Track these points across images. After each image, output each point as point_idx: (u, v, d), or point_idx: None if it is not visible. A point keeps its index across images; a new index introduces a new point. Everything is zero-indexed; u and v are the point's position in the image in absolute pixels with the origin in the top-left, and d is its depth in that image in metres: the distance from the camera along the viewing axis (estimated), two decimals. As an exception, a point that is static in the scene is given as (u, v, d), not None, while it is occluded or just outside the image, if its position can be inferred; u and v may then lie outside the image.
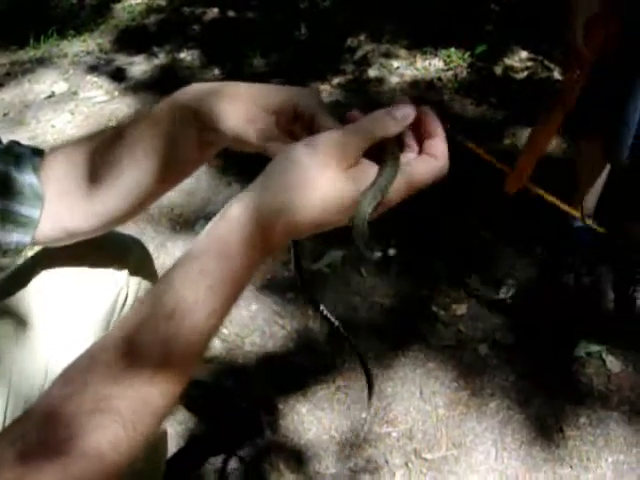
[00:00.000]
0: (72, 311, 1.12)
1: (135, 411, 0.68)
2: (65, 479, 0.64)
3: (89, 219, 0.97)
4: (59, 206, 0.95)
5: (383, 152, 0.73)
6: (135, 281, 1.20)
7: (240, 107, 0.83)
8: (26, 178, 0.94)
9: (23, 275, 1.12)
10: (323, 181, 0.71)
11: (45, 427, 0.66)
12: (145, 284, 1.22)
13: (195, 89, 0.88)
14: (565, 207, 2.12)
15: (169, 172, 0.93)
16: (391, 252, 0.73)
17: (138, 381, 0.68)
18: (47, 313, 1.10)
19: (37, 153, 0.98)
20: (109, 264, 1.16)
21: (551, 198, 2.12)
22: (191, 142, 0.89)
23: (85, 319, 1.12)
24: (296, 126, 0.83)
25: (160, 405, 0.70)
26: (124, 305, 1.17)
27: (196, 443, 1.86)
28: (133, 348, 0.69)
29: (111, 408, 0.66)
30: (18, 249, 0.96)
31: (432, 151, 0.76)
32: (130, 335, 0.70)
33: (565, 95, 1.98)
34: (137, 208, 0.99)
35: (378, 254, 0.73)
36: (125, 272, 1.18)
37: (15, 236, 0.94)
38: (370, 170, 0.73)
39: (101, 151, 0.93)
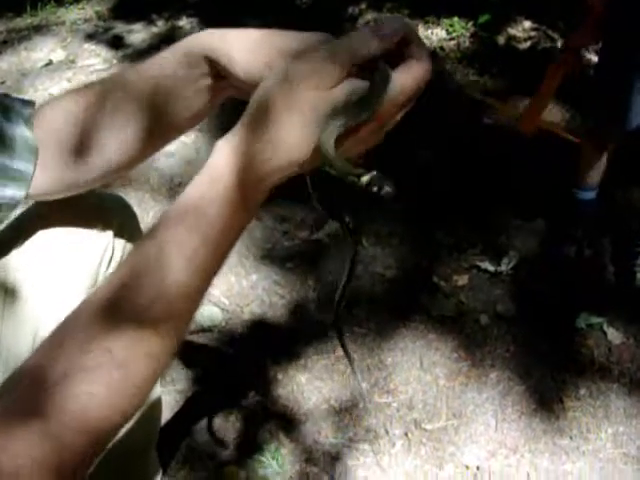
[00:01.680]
0: (58, 274, 1.10)
1: (122, 365, 0.66)
2: (44, 437, 0.63)
3: (89, 170, 0.95)
4: (57, 157, 0.93)
5: (370, 69, 0.68)
6: (120, 241, 1.18)
7: (259, 50, 0.80)
8: (17, 130, 0.91)
9: (7, 240, 1.10)
10: (302, 118, 0.67)
11: (28, 385, 0.65)
12: (131, 245, 1.21)
13: (209, 33, 0.85)
14: (579, 140, 2.12)
15: (170, 122, 0.91)
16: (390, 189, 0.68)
17: (123, 336, 0.67)
18: (33, 278, 1.09)
19: (28, 104, 0.95)
20: (93, 225, 1.14)
21: (565, 134, 2.13)
22: (198, 88, 0.87)
23: (71, 281, 1.11)
24: None
25: (143, 365, 0.69)
26: (109, 266, 1.16)
27: (189, 410, 1.86)
28: (118, 303, 0.68)
29: (96, 363, 0.65)
30: (12, 204, 0.93)
31: (412, 54, 0.70)
32: (115, 290, 0.69)
33: (577, 38, 2.05)
34: (138, 158, 0.97)
35: (360, 176, 0.68)
36: (110, 232, 1.16)
37: (8, 191, 0.91)
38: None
39: (101, 99, 0.91)
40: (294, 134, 0.67)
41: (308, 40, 0.78)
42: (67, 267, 1.11)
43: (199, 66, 0.85)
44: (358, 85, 0.67)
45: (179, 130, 0.96)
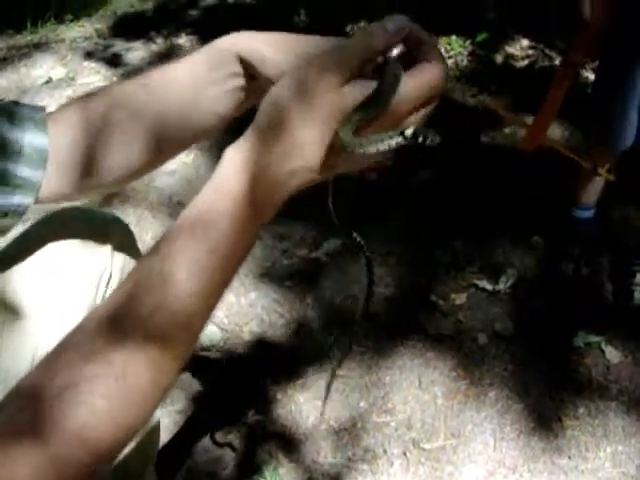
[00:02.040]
0: (57, 293, 1.10)
1: (122, 376, 0.65)
2: (44, 455, 0.62)
3: (105, 173, 0.94)
4: (70, 160, 0.92)
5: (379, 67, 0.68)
6: (118, 261, 1.19)
7: (289, 54, 0.80)
8: (26, 136, 0.90)
9: (9, 257, 1.10)
10: (315, 120, 0.66)
11: (26, 404, 0.64)
12: (129, 264, 1.21)
13: (239, 34, 0.85)
14: (582, 160, 2.12)
15: (195, 124, 0.90)
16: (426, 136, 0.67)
17: (124, 348, 0.65)
18: (33, 297, 1.09)
19: (38, 109, 0.94)
20: (92, 244, 1.14)
21: (567, 152, 2.14)
22: (227, 89, 0.87)
23: (70, 301, 1.11)
24: None
25: (145, 378, 0.67)
26: (108, 285, 1.16)
27: (189, 431, 1.86)
28: (119, 315, 0.67)
29: (95, 374, 0.64)
30: (20, 211, 0.92)
31: (425, 56, 0.70)
32: (117, 303, 0.68)
33: (576, 55, 2.05)
34: (158, 161, 0.97)
35: (402, 132, 0.67)
36: (108, 252, 1.16)
37: (16, 198, 0.90)
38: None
39: (108, 116, 0.90)
40: (308, 137, 0.66)
41: (336, 42, 0.76)
42: (66, 286, 1.12)
43: (230, 66, 0.85)
44: (368, 84, 0.67)
45: (200, 136, 0.95)
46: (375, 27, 0.69)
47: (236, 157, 0.68)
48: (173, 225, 0.70)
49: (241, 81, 0.86)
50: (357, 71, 0.67)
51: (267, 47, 0.82)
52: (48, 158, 0.91)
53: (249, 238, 0.70)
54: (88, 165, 0.92)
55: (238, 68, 0.85)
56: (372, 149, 0.67)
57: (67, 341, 0.68)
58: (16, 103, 0.95)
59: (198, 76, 0.87)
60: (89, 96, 0.94)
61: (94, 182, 0.95)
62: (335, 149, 0.67)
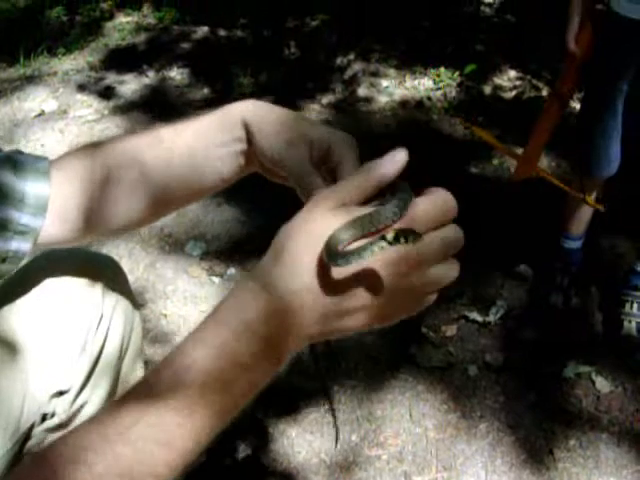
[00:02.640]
0: (50, 333, 1.12)
1: None
2: None
3: (106, 224, 0.97)
4: (73, 209, 0.95)
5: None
6: (110, 301, 1.20)
7: (283, 129, 0.85)
8: (28, 186, 0.93)
9: (2, 294, 1.12)
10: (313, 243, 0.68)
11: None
12: (121, 303, 1.22)
13: (248, 101, 0.89)
14: (572, 190, 2.14)
15: (199, 184, 0.94)
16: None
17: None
18: (27, 333, 1.10)
19: (42, 159, 0.97)
20: (83, 285, 1.16)
21: (556, 181, 2.16)
22: (230, 152, 0.90)
23: (62, 341, 1.12)
24: (322, 169, 0.83)
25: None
26: (99, 326, 1.17)
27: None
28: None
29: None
30: (18, 256, 0.95)
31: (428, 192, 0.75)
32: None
33: (563, 84, 2.09)
34: (159, 215, 1.00)
35: (384, 237, 0.67)
36: (99, 293, 1.17)
37: (14, 244, 0.93)
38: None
39: (116, 174, 0.93)
40: (305, 258, 0.67)
41: (330, 134, 0.83)
42: (58, 328, 1.13)
43: (235, 130, 0.88)
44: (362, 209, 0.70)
45: (200, 195, 0.98)
46: (373, 166, 0.72)
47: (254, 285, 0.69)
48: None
49: (244, 146, 0.89)
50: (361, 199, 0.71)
51: (267, 119, 0.86)
52: (49, 206, 0.93)
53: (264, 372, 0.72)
54: (90, 215, 0.95)
55: (243, 133, 0.88)
56: (358, 259, 0.66)
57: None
58: (20, 152, 0.99)
59: (208, 136, 0.90)
60: (98, 146, 0.97)
61: (94, 230, 0.98)
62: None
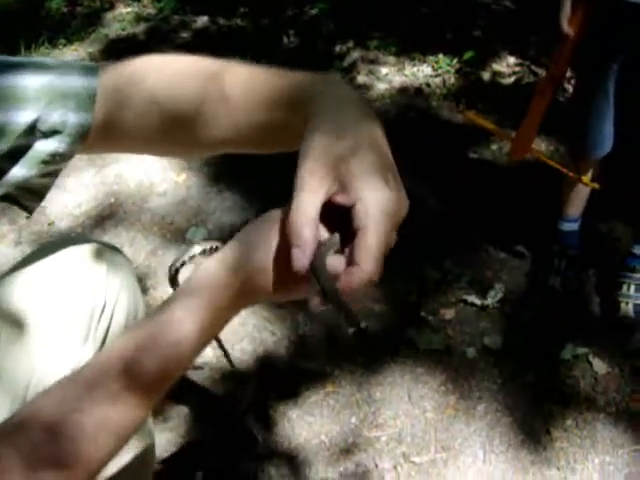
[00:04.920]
0: (56, 317, 1.15)
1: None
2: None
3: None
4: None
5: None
6: (114, 288, 1.22)
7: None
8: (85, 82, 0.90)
9: (11, 278, 1.15)
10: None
11: (48, 438, 0.70)
12: (125, 289, 1.25)
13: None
14: (567, 171, 2.16)
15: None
16: (363, 325, 0.73)
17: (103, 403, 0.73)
18: (33, 317, 1.13)
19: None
20: (87, 273, 1.19)
21: (552, 162, 2.18)
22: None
23: (67, 325, 1.15)
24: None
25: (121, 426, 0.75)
26: (102, 313, 1.20)
27: (185, 453, 1.88)
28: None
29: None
30: (65, 155, 0.90)
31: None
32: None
33: (556, 66, 2.08)
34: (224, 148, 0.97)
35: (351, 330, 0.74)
36: (103, 281, 1.20)
37: (71, 116, 0.89)
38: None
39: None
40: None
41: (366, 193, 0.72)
42: (64, 312, 1.16)
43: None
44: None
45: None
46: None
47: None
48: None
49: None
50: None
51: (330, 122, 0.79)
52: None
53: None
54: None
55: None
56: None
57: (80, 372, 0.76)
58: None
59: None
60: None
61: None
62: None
